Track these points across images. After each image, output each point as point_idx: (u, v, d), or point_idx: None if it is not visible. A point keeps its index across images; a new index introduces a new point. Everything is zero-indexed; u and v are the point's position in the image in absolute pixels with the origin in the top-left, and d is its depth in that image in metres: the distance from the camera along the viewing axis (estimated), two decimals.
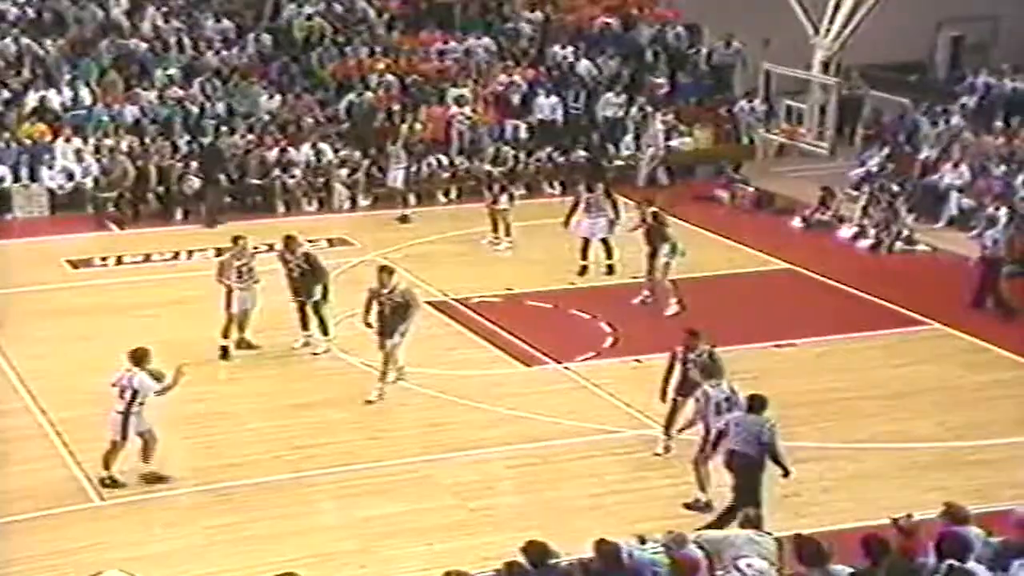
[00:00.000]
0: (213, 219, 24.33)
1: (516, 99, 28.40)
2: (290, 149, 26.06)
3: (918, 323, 19.83)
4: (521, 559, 10.54)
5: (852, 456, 15.52)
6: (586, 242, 21.76)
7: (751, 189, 26.67)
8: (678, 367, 15.32)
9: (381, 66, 28.39)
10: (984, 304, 20.36)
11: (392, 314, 16.72)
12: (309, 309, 18.42)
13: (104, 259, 22.77)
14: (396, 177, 25.36)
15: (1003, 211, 23.08)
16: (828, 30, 27.72)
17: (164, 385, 14.62)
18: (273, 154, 25.95)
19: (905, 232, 23.85)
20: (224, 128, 26.41)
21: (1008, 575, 10.07)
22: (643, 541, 11.14)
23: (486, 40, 29.70)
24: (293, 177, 25.77)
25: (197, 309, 20.12)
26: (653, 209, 20.24)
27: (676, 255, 19.94)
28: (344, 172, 26.06)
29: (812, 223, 25.05)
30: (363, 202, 26.00)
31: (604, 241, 21.75)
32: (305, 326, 18.51)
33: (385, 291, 16.78)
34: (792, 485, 14.67)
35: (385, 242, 23.38)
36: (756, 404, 13.70)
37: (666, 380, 15.35)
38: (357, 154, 26.37)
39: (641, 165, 27.48)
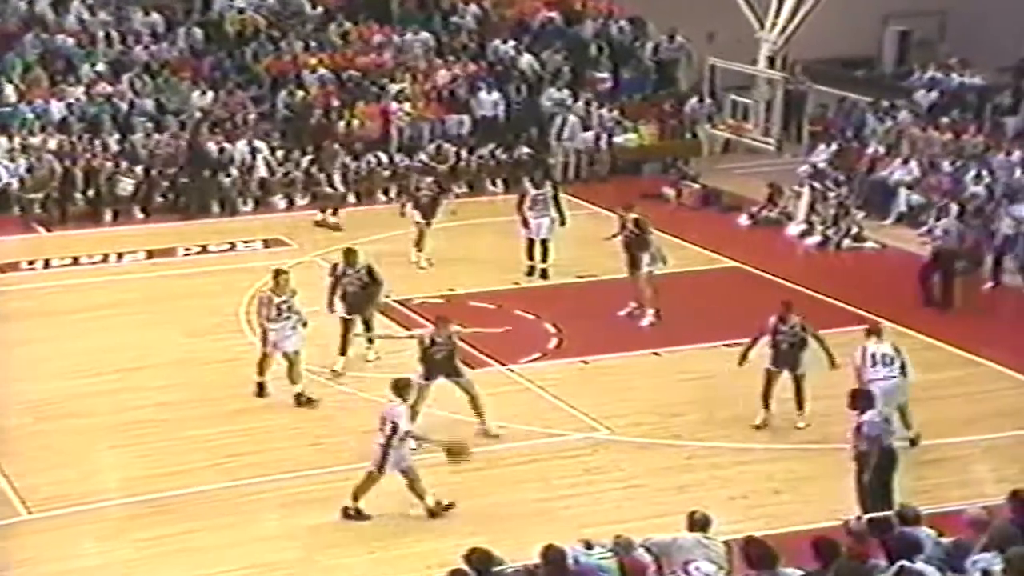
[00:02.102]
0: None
1: (457, 94, 28.42)
2: (226, 147, 25.95)
3: (868, 321, 20.02)
4: (465, 567, 10.58)
5: (802, 457, 15.70)
6: (531, 242, 21.73)
7: (697, 186, 26.85)
8: (766, 339, 16.20)
9: (315, 61, 28.34)
10: (934, 302, 20.58)
11: (448, 357, 16.01)
12: (357, 325, 17.73)
13: (32, 262, 22.56)
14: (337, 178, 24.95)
15: (953, 207, 23.43)
16: (773, 24, 27.98)
17: (418, 436, 14.33)
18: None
19: (854, 229, 24.12)
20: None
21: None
22: (590, 546, 11.21)
23: (424, 34, 29.72)
24: (229, 176, 25.67)
25: (129, 313, 20.04)
26: (635, 216, 19.76)
27: (657, 263, 19.63)
28: (281, 171, 25.99)
29: (760, 220, 25.27)
30: (300, 201, 25.93)
31: (543, 242, 21.64)
32: (344, 350, 17.71)
33: (440, 337, 16.04)
34: (741, 487, 14.88)
35: (321, 242, 23.32)
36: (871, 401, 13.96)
37: (748, 349, 16.37)
38: (296, 152, 26.33)
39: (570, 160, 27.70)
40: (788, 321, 16.24)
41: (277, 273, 17.36)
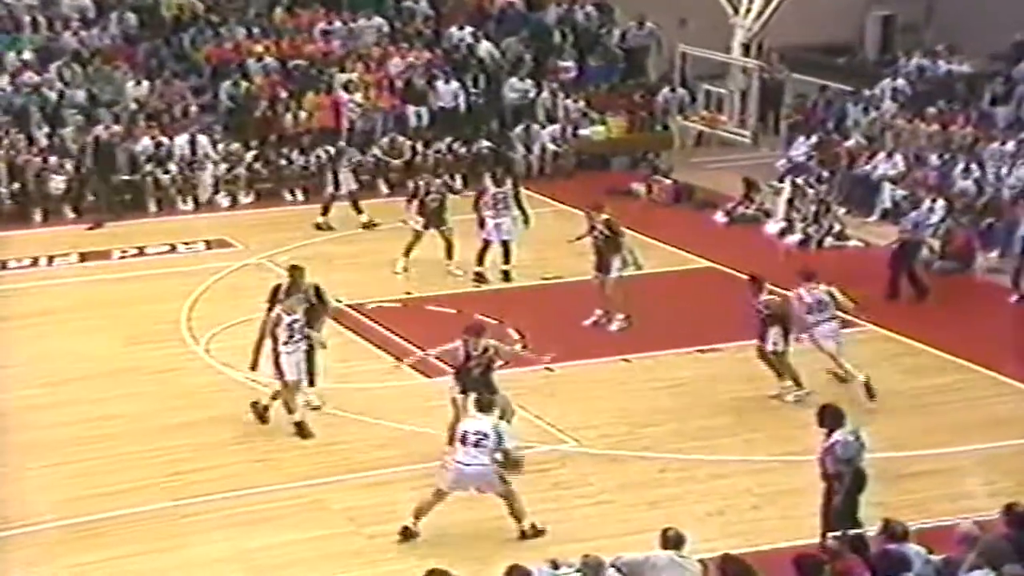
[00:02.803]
0: (100, 220, 24.29)
1: (412, 84, 28.41)
2: (165, 141, 25.85)
3: (851, 325, 20.12)
4: None
5: (782, 469, 15.72)
6: (486, 243, 21.52)
7: (669, 182, 26.92)
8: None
9: (260, 48, 28.27)
10: (899, 294, 21.06)
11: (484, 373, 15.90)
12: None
13: None
14: (348, 179, 24.53)
15: (940, 203, 23.60)
16: (748, 9, 28.11)
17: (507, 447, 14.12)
18: (141, 147, 25.74)
19: (836, 227, 24.25)
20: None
21: None
22: (556, 566, 11.26)
23: (377, 19, 29.71)
24: (167, 172, 25.57)
25: (62, 320, 19.93)
26: (605, 216, 19.56)
27: (629, 267, 19.51)
28: (223, 167, 25.93)
29: (736, 218, 25.38)
30: (244, 199, 25.86)
31: (505, 243, 21.56)
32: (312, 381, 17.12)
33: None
34: (717, 502, 14.93)
35: (268, 243, 23.25)
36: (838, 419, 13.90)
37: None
38: (237, 146, 26.26)
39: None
40: (759, 296, 17.39)
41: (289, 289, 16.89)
